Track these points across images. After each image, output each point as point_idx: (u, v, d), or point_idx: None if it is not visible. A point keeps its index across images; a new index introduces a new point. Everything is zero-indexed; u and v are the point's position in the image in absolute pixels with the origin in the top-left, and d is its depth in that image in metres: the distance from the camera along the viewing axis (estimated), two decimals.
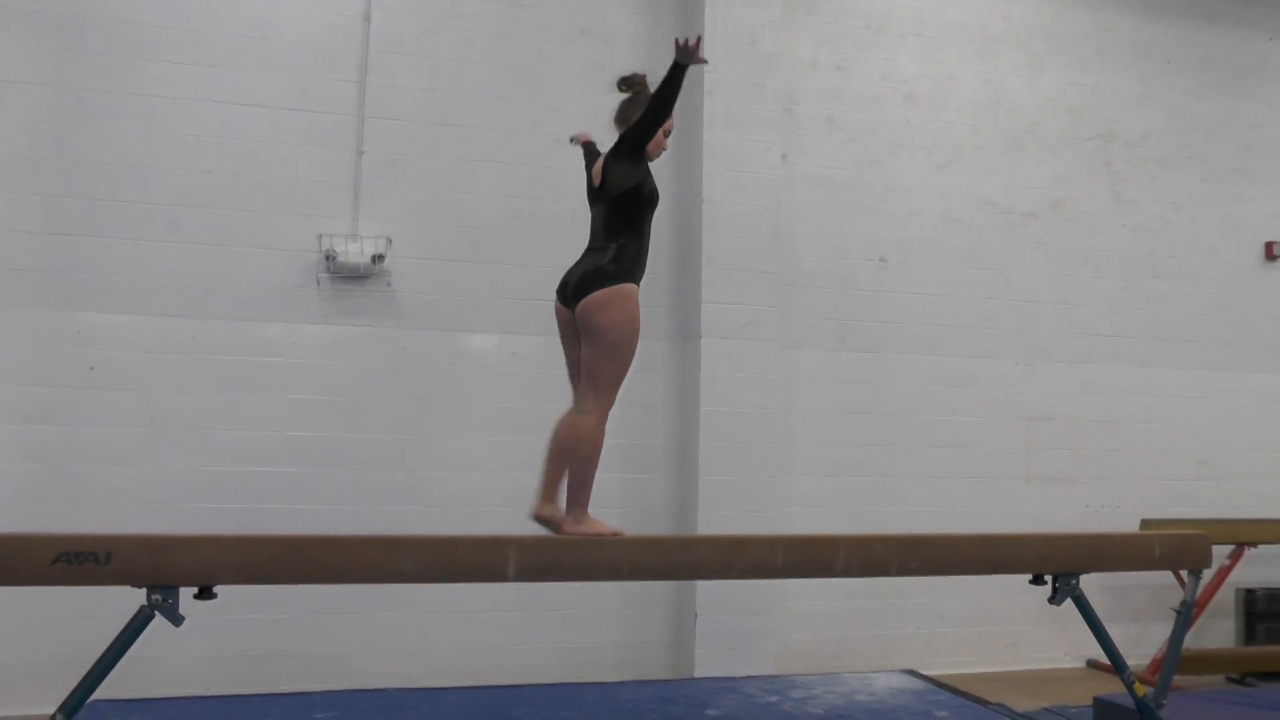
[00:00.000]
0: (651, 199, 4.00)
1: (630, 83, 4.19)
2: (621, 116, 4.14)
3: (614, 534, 3.91)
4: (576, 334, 3.98)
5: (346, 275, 6.01)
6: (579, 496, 3.93)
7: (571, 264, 4.05)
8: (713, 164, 6.32)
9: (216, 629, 5.34)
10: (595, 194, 4.09)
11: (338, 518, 5.72)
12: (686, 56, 3.80)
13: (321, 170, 6.08)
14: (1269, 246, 8.07)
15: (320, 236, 5.98)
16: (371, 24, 6.20)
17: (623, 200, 3.94)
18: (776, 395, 6.37)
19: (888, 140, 7.03)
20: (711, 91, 6.34)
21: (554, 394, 6.22)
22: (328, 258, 5.95)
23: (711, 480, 6.17)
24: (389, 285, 6.10)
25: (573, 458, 3.92)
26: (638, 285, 3.94)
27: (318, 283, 5.99)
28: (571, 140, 4.65)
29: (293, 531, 4.12)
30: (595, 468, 3.93)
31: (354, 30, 6.18)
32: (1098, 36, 7.71)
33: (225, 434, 5.81)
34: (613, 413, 6.19)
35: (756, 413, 6.27)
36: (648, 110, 3.88)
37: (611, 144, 4.04)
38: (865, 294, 6.86)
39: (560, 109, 6.44)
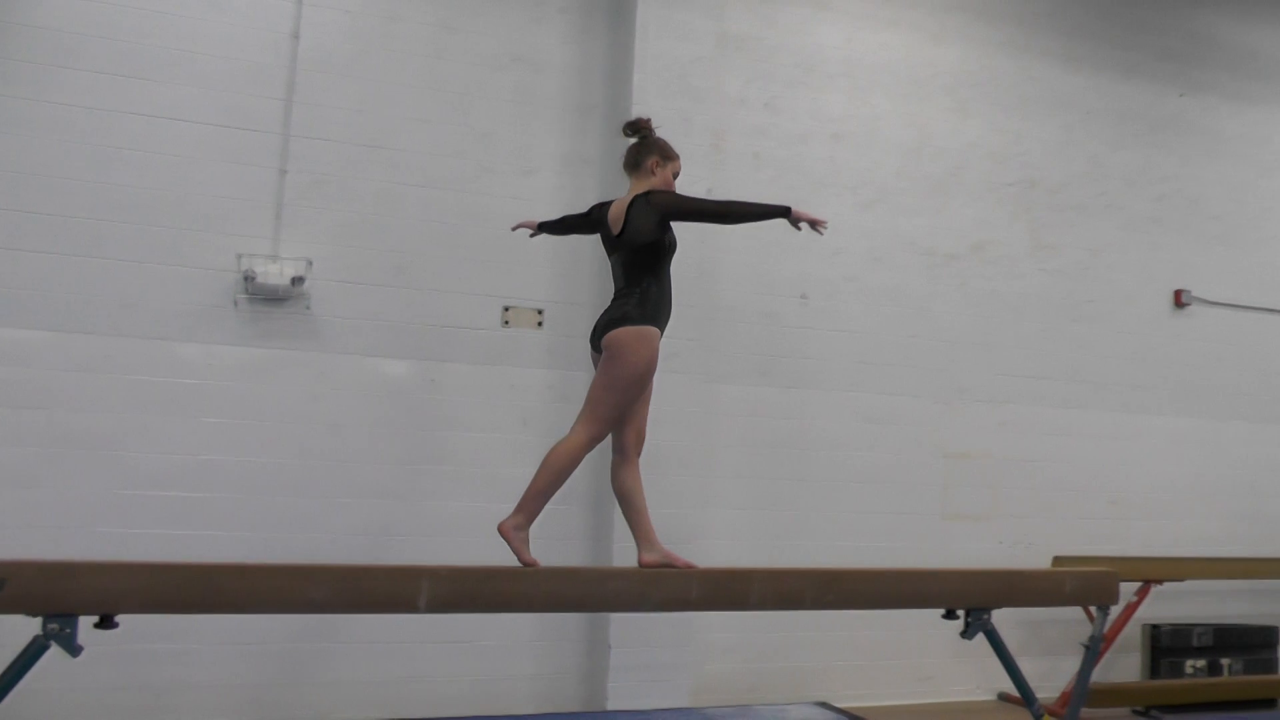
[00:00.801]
0: (671, 247, 4.16)
1: (636, 128, 4.36)
2: (631, 161, 4.31)
3: (531, 563, 4.00)
4: None
5: (265, 297, 5.90)
6: (530, 505, 4.08)
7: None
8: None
9: (117, 660, 5.22)
10: (614, 241, 4.18)
11: (249, 545, 5.61)
12: (797, 221, 4.10)
13: (244, 189, 5.97)
14: (1178, 294, 8.31)
15: (240, 256, 5.87)
16: (301, 42, 6.13)
17: (644, 250, 4.08)
18: (697, 428, 6.40)
19: (813, 178, 7.12)
20: None
21: (473, 423, 6.25)
22: (247, 278, 5.83)
23: None
24: (308, 308, 6.00)
25: (544, 469, 4.07)
26: (660, 330, 4.08)
27: (235, 303, 5.87)
28: (519, 228, 4.81)
29: (203, 559, 4.05)
30: (558, 487, 4.09)
31: (282, 48, 6.11)
32: (1022, 86, 7.90)
33: (135, 456, 5.65)
34: (528, 444, 6.30)
35: (676, 446, 6.27)
36: (709, 207, 4.17)
37: (639, 194, 4.13)
38: (788, 330, 6.92)
39: (489, 135, 6.44)
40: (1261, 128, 8.86)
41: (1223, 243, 8.57)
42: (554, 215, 6.39)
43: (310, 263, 5.98)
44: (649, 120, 4.37)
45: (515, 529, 4.03)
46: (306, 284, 5.95)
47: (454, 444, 6.24)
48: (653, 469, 6.12)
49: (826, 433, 7.00)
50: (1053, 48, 8.04)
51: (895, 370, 7.28)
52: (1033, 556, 7.32)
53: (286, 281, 5.88)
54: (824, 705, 6.43)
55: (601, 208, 4.34)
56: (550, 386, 6.44)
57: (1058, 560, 7.04)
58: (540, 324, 6.47)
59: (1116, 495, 7.89)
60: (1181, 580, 7.35)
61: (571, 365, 6.47)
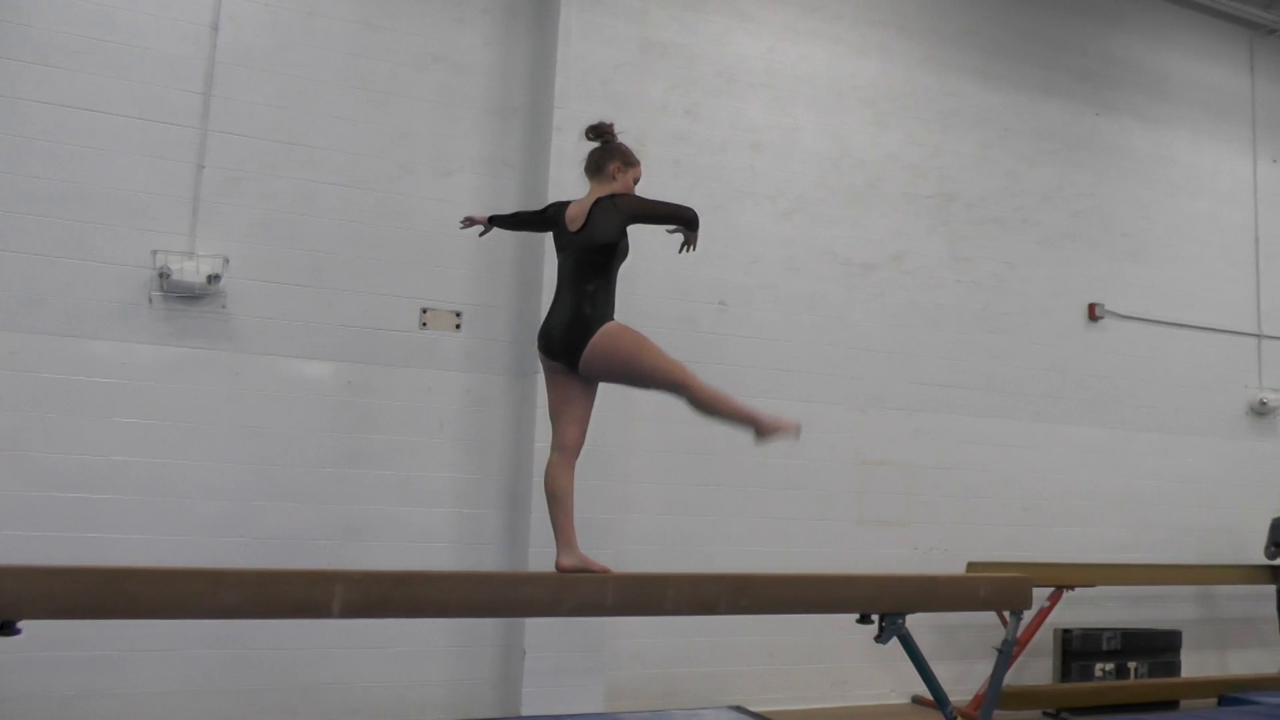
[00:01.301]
0: (625, 252, 4.20)
1: (599, 132, 4.36)
2: (593, 165, 4.32)
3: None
4: (566, 380, 4.14)
5: (181, 294, 5.79)
6: (744, 409, 4.21)
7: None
8: (558, 199, 6.30)
9: (20, 668, 5.11)
10: (569, 237, 4.19)
11: (161, 549, 5.51)
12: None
13: (159, 183, 5.85)
14: (1091, 308, 8.51)
15: (155, 253, 5.75)
16: (220, 35, 6.02)
17: (600, 250, 4.11)
18: (614, 433, 6.40)
19: (733, 187, 7.18)
20: (560, 128, 6.39)
21: (389, 424, 6.20)
22: (162, 275, 5.73)
23: (544, 517, 6.00)
24: (224, 307, 5.91)
25: (724, 404, 4.17)
26: (613, 319, 4.12)
27: (150, 301, 5.76)
28: (469, 224, 4.72)
29: (113, 563, 3.94)
30: (728, 403, 4.18)
31: (201, 40, 6.00)
32: (941, 100, 8.06)
33: (43, 457, 5.50)
34: (445, 448, 6.26)
35: (593, 450, 6.14)
36: (664, 210, 4.25)
37: (603, 196, 4.18)
38: (705, 336, 6.96)
39: (410, 135, 6.41)
40: (1171, 149, 9.13)
41: (1134, 259, 8.81)
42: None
43: (227, 260, 5.89)
44: (611, 125, 4.40)
45: (767, 425, 4.26)
46: (223, 282, 5.86)
47: (370, 447, 6.18)
48: None
49: (743, 439, 6.97)
50: (972, 65, 8.21)
51: (812, 378, 7.35)
52: (947, 562, 7.43)
53: (203, 279, 5.79)
54: (739, 709, 6.45)
55: (559, 206, 4.36)
56: (468, 390, 6.41)
57: (972, 566, 7.16)
58: (458, 326, 6.44)
59: (1030, 502, 8.05)
60: (1092, 586, 7.53)
61: (489, 369, 6.46)
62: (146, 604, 3.38)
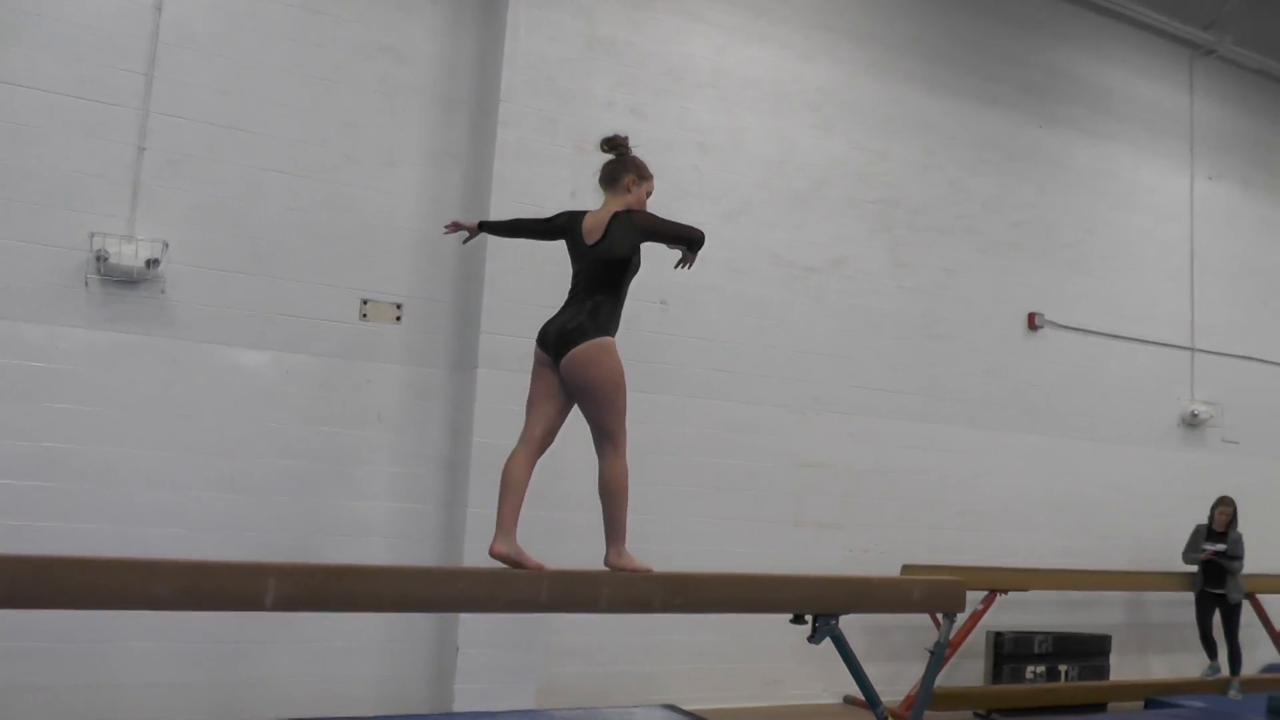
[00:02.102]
0: (637, 267, 4.27)
1: (613, 144, 4.43)
2: (607, 177, 4.38)
3: (646, 569, 4.14)
4: (553, 375, 4.15)
5: (118, 279, 5.68)
6: (618, 533, 4.17)
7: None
8: (501, 194, 6.33)
9: None
10: (584, 249, 4.24)
11: (95, 538, 5.39)
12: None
13: (98, 164, 5.72)
14: (1031, 317, 8.64)
15: (92, 235, 5.63)
16: (163, 14, 5.90)
17: (613, 265, 4.16)
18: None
19: (678, 186, 7.18)
20: (505, 122, 6.38)
21: (327, 416, 6.15)
22: (99, 258, 5.61)
23: (481, 512, 6.06)
24: (163, 292, 5.80)
25: (611, 500, 4.15)
26: (613, 338, 4.14)
27: (86, 284, 5.63)
28: (455, 230, 4.64)
29: (45, 552, 3.83)
30: (627, 504, 4.19)
31: (143, 19, 5.87)
32: (886, 107, 8.14)
33: None
34: (382, 439, 6.21)
35: None
36: (677, 231, 4.35)
37: (620, 211, 4.24)
38: (646, 335, 6.94)
39: (354, 124, 6.35)
40: (1111, 163, 9.31)
41: (1074, 269, 8.96)
42: (418, 207, 6.46)
43: (166, 245, 5.78)
44: (626, 138, 4.47)
45: (619, 557, 4.15)
46: (162, 266, 5.75)
47: (307, 438, 6.11)
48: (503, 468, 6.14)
49: (682, 439, 7.06)
50: (918, 73, 8.30)
51: (752, 379, 7.39)
52: (882, 564, 7.48)
53: (141, 263, 5.67)
54: (671, 708, 6.44)
55: (571, 216, 4.39)
56: (407, 383, 6.37)
57: (906, 569, 7.23)
58: (399, 319, 6.40)
59: (965, 507, 8.15)
60: (1025, 590, 7.65)
61: (429, 362, 6.42)
62: (77, 594, 3.28)
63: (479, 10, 6.72)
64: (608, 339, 4.11)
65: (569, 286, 4.26)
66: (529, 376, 6.12)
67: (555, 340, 4.10)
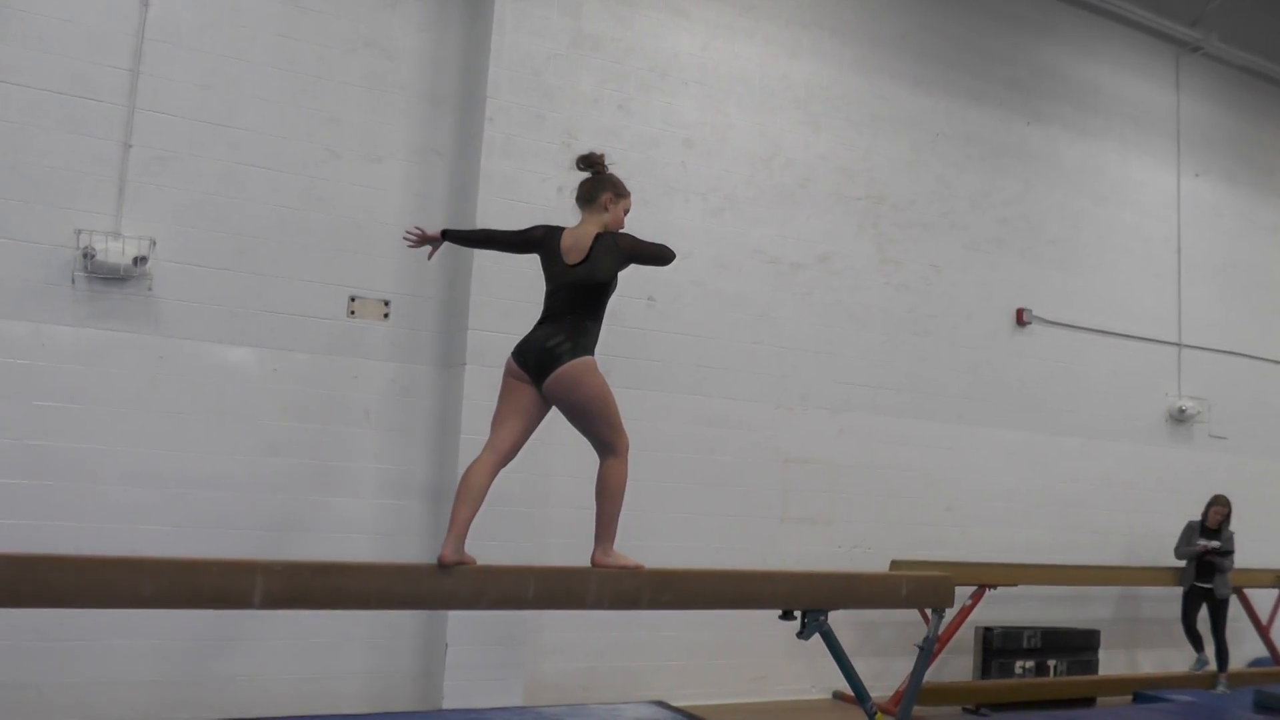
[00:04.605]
0: (614, 288, 4.33)
1: (590, 161, 4.47)
2: (585, 195, 4.40)
3: (636, 566, 4.19)
4: (526, 391, 4.18)
5: (105, 276, 5.64)
6: (608, 532, 4.22)
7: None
8: (488, 191, 6.32)
9: None
10: (564, 268, 4.26)
11: (81, 536, 5.35)
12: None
13: (84, 161, 5.68)
14: (1020, 313, 8.66)
15: (79, 232, 5.59)
16: (149, 10, 5.86)
17: (595, 288, 4.22)
18: (539, 428, 6.34)
19: (664, 182, 7.20)
20: (492, 118, 6.36)
21: (313, 413, 6.13)
22: (85, 256, 5.57)
23: None
24: (150, 289, 5.77)
25: (606, 499, 4.22)
26: (594, 357, 4.20)
27: (73, 281, 5.59)
28: (419, 243, 4.65)
29: (30, 550, 3.81)
30: (621, 505, 4.26)
31: (129, 15, 5.83)
32: (873, 104, 8.15)
33: None
34: (369, 437, 6.20)
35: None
36: (654, 252, 4.41)
37: (603, 233, 4.28)
38: (631, 331, 6.93)
39: (338, 120, 6.33)
40: (1097, 159, 9.34)
41: (1060, 266, 8.98)
42: (405, 204, 6.43)
43: (154, 242, 5.75)
44: (603, 155, 4.51)
45: (606, 555, 4.20)
46: (149, 264, 5.71)
47: (295, 435, 6.09)
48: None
49: (667, 435, 7.05)
50: (904, 70, 8.32)
51: (738, 375, 7.39)
52: (871, 560, 7.50)
53: (129, 261, 5.64)
54: (660, 704, 6.46)
55: (549, 231, 4.39)
56: (394, 380, 6.35)
57: (895, 564, 7.25)
58: (386, 315, 6.38)
59: (953, 503, 8.16)
60: (1014, 585, 7.65)
61: (416, 359, 6.41)
62: (62, 593, 3.29)
63: (464, 5, 6.70)
64: (589, 359, 4.17)
65: (543, 302, 4.27)
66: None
67: (536, 361, 4.12)
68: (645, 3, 7.28)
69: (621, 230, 4.41)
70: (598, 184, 4.40)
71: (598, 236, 4.26)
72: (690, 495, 7.11)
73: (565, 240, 4.29)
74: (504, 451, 4.16)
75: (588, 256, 4.22)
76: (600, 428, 4.18)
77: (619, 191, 4.42)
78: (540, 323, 4.23)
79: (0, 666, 5.30)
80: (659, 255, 4.42)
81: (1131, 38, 9.68)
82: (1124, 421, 9.18)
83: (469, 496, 4.01)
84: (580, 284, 4.20)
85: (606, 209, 4.36)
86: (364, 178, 6.38)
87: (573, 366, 4.08)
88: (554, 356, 4.09)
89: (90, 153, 5.73)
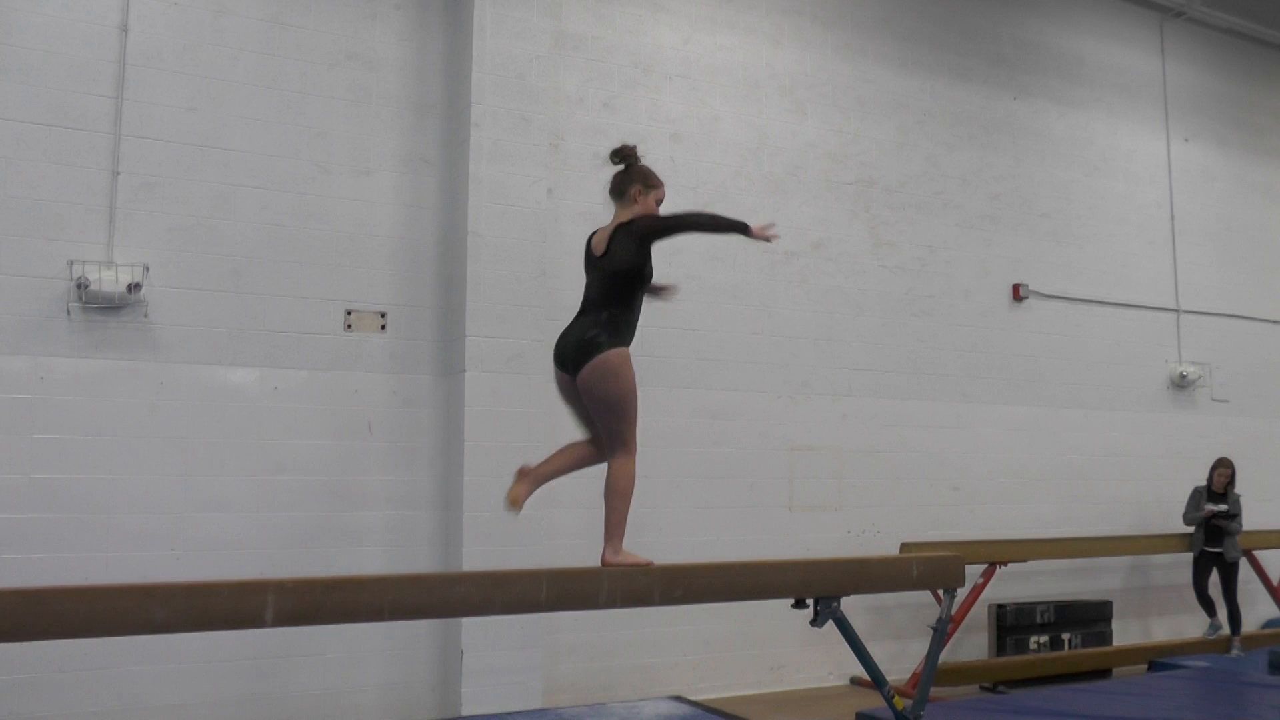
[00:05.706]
0: (648, 278, 4.31)
1: (622, 155, 4.44)
2: (616, 188, 4.39)
3: (646, 564, 4.19)
4: (576, 393, 4.24)
5: (100, 305, 5.65)
6: (616, 531, 4.24)
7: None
8: (479, 196, 6.33)
9: None
10: (594, 262, 4.31)
11: (89, 566, 5.38)
12: (752, 234, 4.29)
13: (73, 191, 5.69)
14: (1016, 288, 8.66)
15: (71, 263, 5.60)
16: (130, 36, 5.88)
17: (622, 276, 4.20)
18: (541, 429, 6.36)
19: None
20: (478, 124, 6.36)
21: (317, 430, 6.14)
22: (79, 286, 5.58)
23: (476, 515, 6.12)
24: (146, 316, 5.78)
25: (615, 498, 4.23)
26: (627, 347, 4.21)
27: (68, 313, 5.60)
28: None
29: (39, 584, 3.82)
30: (629, 505, 4.27)
31: (110, 42, 5.84)
32: (858, 87, 8.14)
33: None
34: (375, 449, 6.22)
35: (521, 447, 6.22)
36: (681, 220, 4.34)
37: (623, 223, 4.26)
38: None
39: (324, 134, 6.33)
40: (1086, 130, 9.32)
41: (1053, 239, 8.97)
42: (396, 214, 6.47)
43: (147, 269, 5.76)
44: (635, 148, 4.47)
45: (615, 554, 4.21)
46: (143, 290, 5.72)
47: (298, 452, 6.10)
48: (497, 470, 6.12)
49: (670, 429, 7.05)
50: (888, 52, 8.30)
51: (738, 366, 7.40)
52: (880, 544, 7.52)
53: (123, 288, 5.65)
54: (679, 699, 6.46)
55: (594, 232, 4.45)
56: (395, 391, 6.36)
57: (905, 546, 7.23)
58: (383, 327, 6.39)
59: (959, 482, 8.17)
60: (1024, 561, 7.67)
61: (416, 369, 6.41)
62: (73, 623, 3.27)
63: (444, 13, 6.70)
64: (623, 349, 4.18)
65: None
66: (517, 377, 6.28)
67: (573, 355, 4.16)
68: None
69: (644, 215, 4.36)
70: (626, 177, 4.39)
71: (619, 226, 4.27)
72: (697, 488, 7.12)
73: (597, 235, 4.36)
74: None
75: (608, 249, 4.24)
76: (620, 423, 4.20)
77: (649, 183, 4.39)
78: (576, 316, 4.28)
79: (18, 700, 5.32)
80: (681, 223, 4.36)
81: (1114, 6, 9.66)
82: (1126, 390, 9.19)
83: (560, 452, 4.34)
84: (606, 275, 4.23)
85: (636, 200, 4.34)
86: (354, 190, 6.38)
87: (606, 358, 4.11)
88: (588, 349, 4.11)
89: (79, 182, 5.73)
